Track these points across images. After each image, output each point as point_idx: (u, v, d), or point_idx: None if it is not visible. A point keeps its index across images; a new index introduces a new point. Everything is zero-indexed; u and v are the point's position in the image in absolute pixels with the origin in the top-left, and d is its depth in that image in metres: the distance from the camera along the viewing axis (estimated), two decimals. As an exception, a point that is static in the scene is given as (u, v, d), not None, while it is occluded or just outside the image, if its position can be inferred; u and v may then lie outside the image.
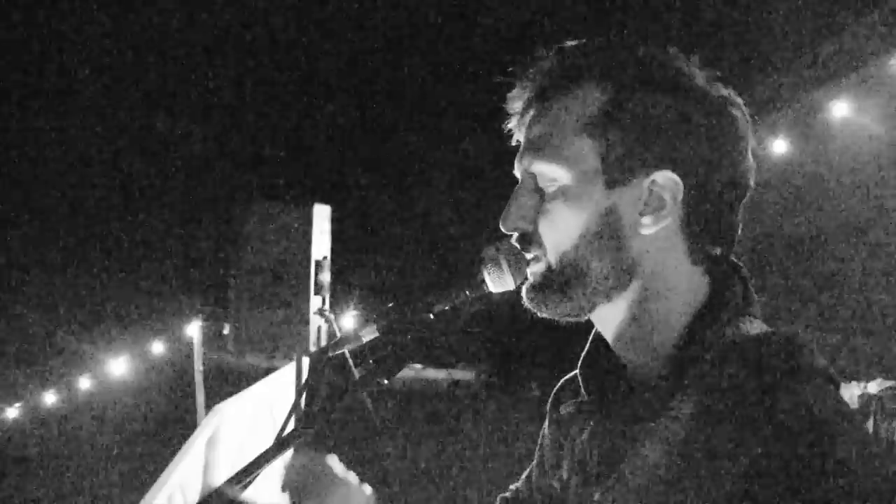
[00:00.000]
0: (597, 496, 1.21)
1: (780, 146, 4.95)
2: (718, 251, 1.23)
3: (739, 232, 1.25)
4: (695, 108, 1.18)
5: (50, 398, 5.42)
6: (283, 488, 1.25)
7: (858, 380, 3.95)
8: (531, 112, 1.26)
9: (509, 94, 1.27)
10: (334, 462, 1.29)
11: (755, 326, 1.18)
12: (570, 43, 1.25)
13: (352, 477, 1.30)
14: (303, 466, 1.26)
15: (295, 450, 1.23)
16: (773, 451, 0.99)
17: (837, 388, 1.11)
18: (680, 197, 1.18)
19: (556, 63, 1.24)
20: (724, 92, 1.22)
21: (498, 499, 1.52)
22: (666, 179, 1.17)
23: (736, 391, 1.06)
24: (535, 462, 1.47)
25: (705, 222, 1.20)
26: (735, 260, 1.26)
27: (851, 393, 3.84)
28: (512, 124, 1.30)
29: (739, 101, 1.23)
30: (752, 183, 1.24)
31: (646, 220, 1.18)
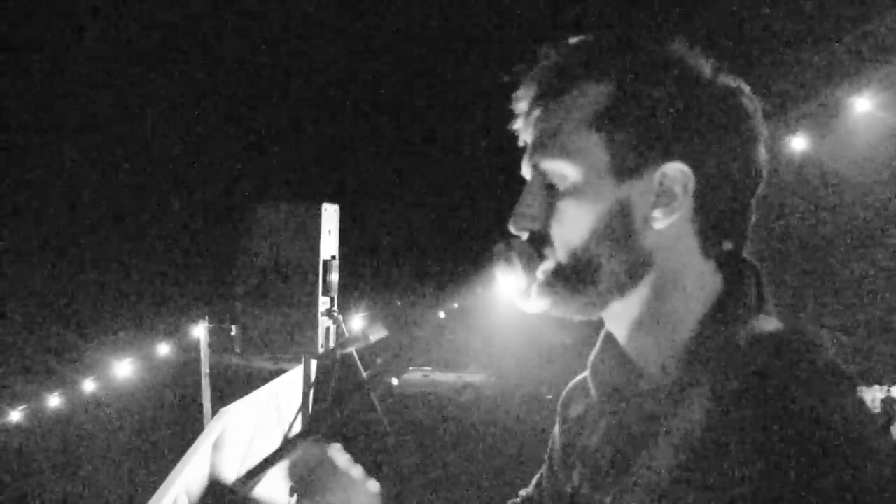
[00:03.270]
0: (608, 500, 1.19)
1: (799, 143, 4.90)
2: (731, 246, 1.22)
3: (752, 224, 1.23)
4: (702, 98, 1.17)
5: (55, 401, 5.41)
6: (288, 480, 1.23)
7: (881, 383, 3.90)
8: (537, 111, 1.24)
9: (514, 95, 1.26)
10: (338, 454, 1.26)
11: (769, 324, 1.16)
12: (573, 39, 1.23)
13: (357, 470, 1.28)
14: (306, 458, 1.24)
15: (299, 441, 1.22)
16: (788, 452, 0.96)
17: (854, 385, 1.08)
18: (691, 188, 1.16)
19: (560, 60, 1.22)
20: (733, 82, 1.20)
21: None
22: (676, 171, 1.16)
23: (750, 390, 1.04)
24: (545, 466, 1.45)
25: (717, 214, 1.18)
26: (749, 257, 1.24)
27: (874, 396, 3.80)
28: (518, 125, 1.28)
29: (749, 90, 1.21)
30: (764, 174, 1.22)
31: (657, 213, 1.16)
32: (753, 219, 1.23)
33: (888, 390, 3.82)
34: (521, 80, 1.25)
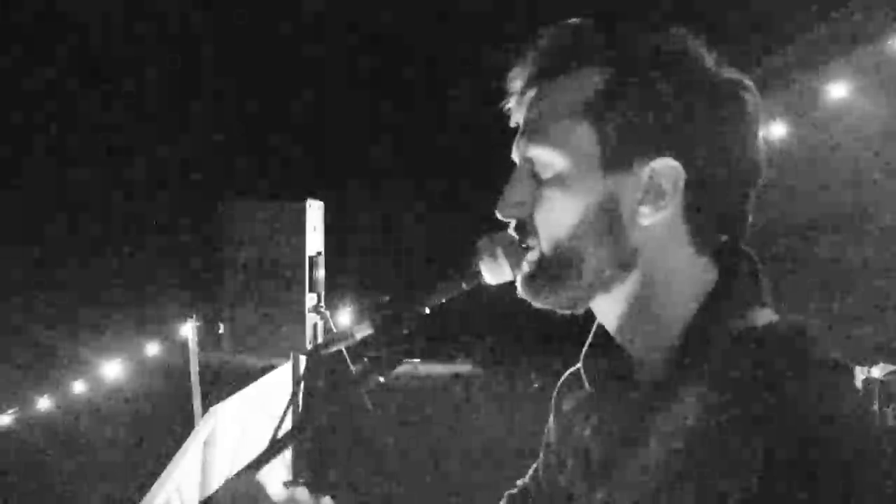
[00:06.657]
0: (600, 493, 1.18)
1: (777, 129, 4.93)
2: (726, 239, 1.18)
3: (750, 217, 1.20)
4: (699, 92, 1.13)
5: (45, 403, 5.37)
6: None
7: (861, 364, 3.94)
8: (530, 93, 1.21)
9: (510, 73, 1.22)
10: (301, 493, 1.21)
11: (764, 316, 1.13)
12: (574, 21, 1.20)
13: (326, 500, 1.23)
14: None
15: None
16: (785, 445, 0.95)
17: (852, 376, 1.07)
18: (682, 185, 1.13)
19: (560, 41, 1.19)
20: (735, 75, 1.17)
21: (505, 495, 1.48)
22: (666, 167, 1.12)
23: (744, 384, 1.02)
24: (541, 457, 1.44)
25: (710, 211, 1.15)
26: (745, 247, 1.20)
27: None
28: (511, 104, 1.24)
29: (751, 84, 1.17)
30: (763, 168, 1.18)
31: (644, 209, 1.13)
32: (751, 213, 1.19)
33: (868, 371, 3.86)
34: (519, 59, 1.21)
